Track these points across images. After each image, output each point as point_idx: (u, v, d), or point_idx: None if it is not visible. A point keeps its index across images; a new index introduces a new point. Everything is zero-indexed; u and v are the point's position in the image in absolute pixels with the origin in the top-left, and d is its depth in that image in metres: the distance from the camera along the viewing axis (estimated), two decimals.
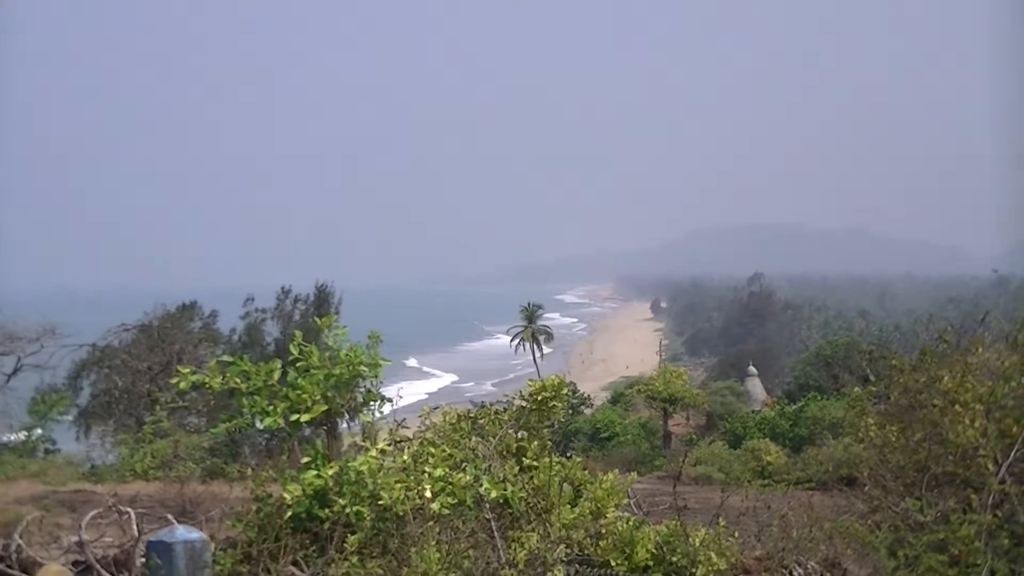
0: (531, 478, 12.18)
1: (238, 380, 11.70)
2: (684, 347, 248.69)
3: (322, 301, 65.06)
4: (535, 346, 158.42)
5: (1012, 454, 11.54)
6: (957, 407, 12.06)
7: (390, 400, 12.54)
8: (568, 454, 14.20)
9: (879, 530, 11.76)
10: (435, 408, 13.60)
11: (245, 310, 64.31)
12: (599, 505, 12.07)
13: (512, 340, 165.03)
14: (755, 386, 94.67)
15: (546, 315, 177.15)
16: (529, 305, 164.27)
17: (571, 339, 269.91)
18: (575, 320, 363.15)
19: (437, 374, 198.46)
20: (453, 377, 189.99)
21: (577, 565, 10.93)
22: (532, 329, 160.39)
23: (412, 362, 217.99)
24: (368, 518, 10.71)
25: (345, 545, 10.42)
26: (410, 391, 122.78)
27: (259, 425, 11.84)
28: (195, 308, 59.96)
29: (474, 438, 12.70)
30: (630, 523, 11.51)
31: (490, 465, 12.00)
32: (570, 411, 60.48)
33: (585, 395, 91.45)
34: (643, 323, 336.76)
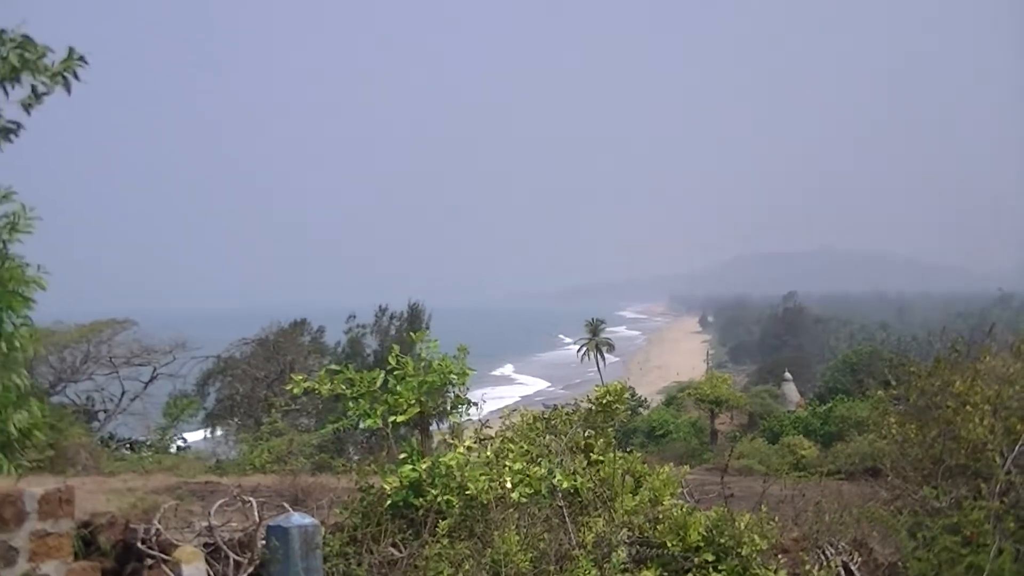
0: (597, 471, 12.21)
1: (344, 387, 11.87)
2: (728, 356, 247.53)
3: (414, 317, 65.64)
4: (599, 355, 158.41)
5: (1017, 448, 11.52)
6: (968, 407, 12.03)
7: (475, 404, 12.63)
8: (628, 449, 14.18)
9: (900, 515, 11.73)
10: (514, 410, 13.69)
11: (348, 326, 64.93)
12: (656, 494, 12.07)
13: (578, 351, 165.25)
14: (790, 390, 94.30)
15: (609, 328, 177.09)
16: (593, 320, 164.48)
17: (630, 349, 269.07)
18: (634, 333, 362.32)
19: (523, 381, 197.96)
20: (544, 384, 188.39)
21: (638, 546, 10.93)
22: (596, 341, 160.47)
23: (508, 369, 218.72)
24: (457, 506, 10.78)
25: (437, 529, 10.50)
26: (507, 393, 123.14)
27: (362, 425, 11.97)
28: (305, 324, 60.54)
29: (548, 436, 12.75)
30: (684, 509, 11.50)
31: (562, 459, 12.03)
32: (630, 412, 60.46)
33: (642, 398, 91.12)
34: (692, 335, 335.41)
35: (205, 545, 11.02)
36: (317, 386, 11.84)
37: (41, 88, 9.00)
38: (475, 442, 12.31)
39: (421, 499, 10.99)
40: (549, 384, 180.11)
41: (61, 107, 9.27)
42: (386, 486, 11.15)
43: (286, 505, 12.01)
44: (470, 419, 12.82)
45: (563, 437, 12.68)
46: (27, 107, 9.08)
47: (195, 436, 49.25)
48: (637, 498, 11.81)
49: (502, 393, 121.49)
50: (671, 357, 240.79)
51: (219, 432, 50.23)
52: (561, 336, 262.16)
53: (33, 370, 31.63)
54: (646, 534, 11.18)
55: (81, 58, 9.15)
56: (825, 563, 11.62)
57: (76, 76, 9.15)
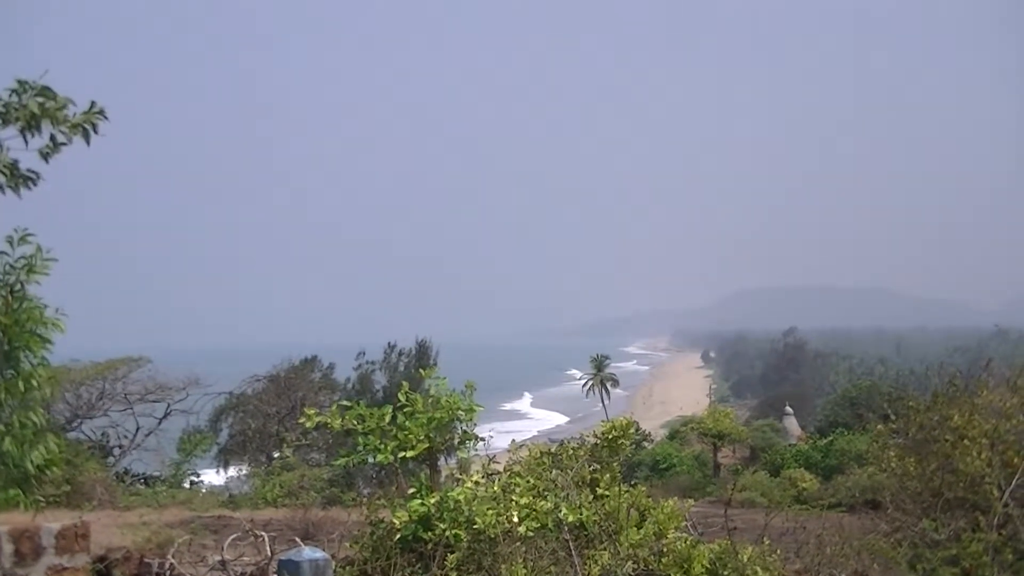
0: (603, 504, 12.21)
1: (355, 422, 11.90)
2: (730, 391, 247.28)
3: (422, 354, 65.77)
4: (603, 390, 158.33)
5: (1014, 481, 11.50)
6: (966, 441, 12.03)
7: (483, 439, 12.64)
8: (633, 483, 14.17)
9: (900, 547, 11.72)
10: (521, 445, 13.71)
11: (357, 362, 65.02)
12: (661, 527, 12.07)
13: (584, 386, 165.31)
14: (791, 423, 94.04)
15: (614, 364, 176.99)
16: (598, 356, 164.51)
17: (635, 384, 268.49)
18: (638, 368, 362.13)
19: (533, 415, 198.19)
20: (562, 418, 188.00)
21: None
22: (601, 376, 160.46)
23: (520, 403, 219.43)
24: (465, 540, 10.78)
25: (446, 563, 10.51)
26: (518, 428, 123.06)
27: (372, 460, 11.99)
28: (315, 361, 60.75)
29: (554, 471, 12.75)
30: (688, 542, 11.52)
31: (568, 494, 12.04)
32: (634, 446, 60.41)
33: (646, 432, 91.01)
34: (695, 370, 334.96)
35: None
36: (329, 421, 11.88)
37: (60, 138, 9.07)
38: (483, 477, 12.32)
39: (430, 533, 10.99)
40: (568, 419, 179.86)
41: (76, 147, 9.33)
42: (396, 520, 11.15)
43: (297, 539, 12.04)
44: (478, 454, 12.84)
45: (569, 472, 12.68)
46: (45, 156, 9.15)
47: (208, 471, 49.32)
48: (642, 531, 11.81)
49: (514, 427, 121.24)
50: (674, 391, 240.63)
51: (231, 467, 50.27)
52: (571, 372, 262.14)
53: (49, 407, 31.68)
54: (651, 567, 11.19)
55: (101, 111, 9.22)
56: None
57: (95, 129, 9.23)
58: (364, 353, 65.29)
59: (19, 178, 9.14)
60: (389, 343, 66.69)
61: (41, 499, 10.21)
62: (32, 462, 9.63)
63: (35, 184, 9.31)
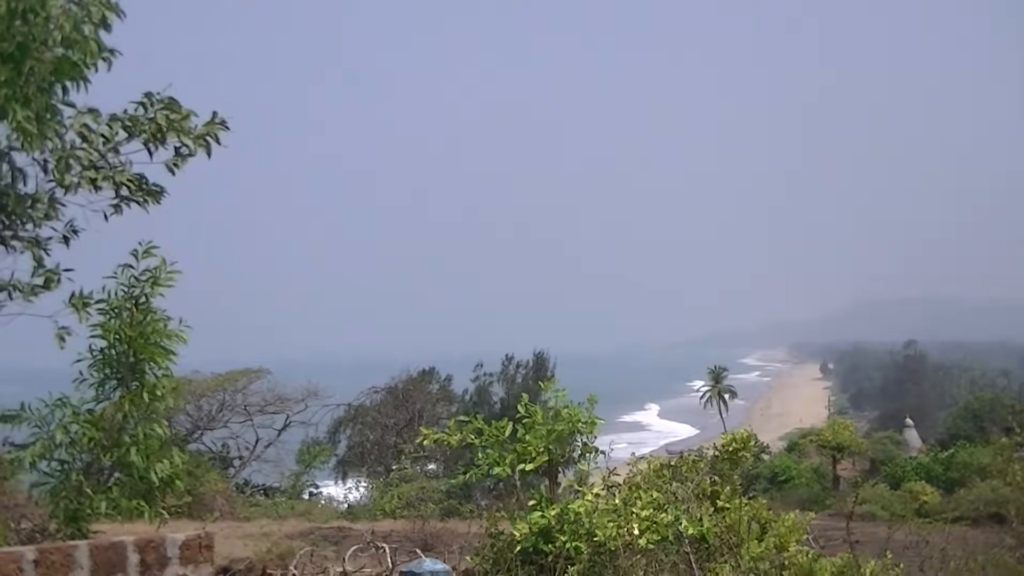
0: (723, 517, 12.12)
1: (473, 436, 11.94)
2: (849, 403, 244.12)
3: (540, 366, 65.77)
4: (722, 402, 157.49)
5: None
6: None
7: (603, 452, 12.62)
8: (751, 495, 14.06)
9: None
10: (641, 457, 13.66)
11: (475, 374, 65.21)
12: (782, 540, 11.96)
13: (701, 398, 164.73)
14: (912, 436, 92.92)
15: (732, 375, 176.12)
16: (716, 367, 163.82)
17: (752, 395, 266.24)
18: (757, 380, 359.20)
19: (652, 426, 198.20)
20: (691, 430, 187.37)
21: None
22: (719, 388, 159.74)
23: (641, 415, 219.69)
24: (585, 552, 10.76)
25: (566, 575, 10.50)
26: (639, 439, 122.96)
27: (491, 473, 12.03)
28: (433, 373, 61.06)
29: (674, 483, 12.69)
30: (809, 556, 11.40)
31: (688, 506, 11.97)
32: (753, 458, 59.93)
33: (765, 444, 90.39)
34: (813, 382, 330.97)
35: None
36: (447, 437, 11.96)
37: (185, 150, 9.23)
38: (603, 489, 12.29)
39: (550, 545, 10.98)
40: (698, 431, 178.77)
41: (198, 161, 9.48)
42: (516, 532, 11.16)
43: (418, 551, 12.09)
44: (598, 466, 12.82)
45: (689, 484, 12.62)
46: (172, 168, 9.32)
47: (327, 482, 49.80)
48: (763, 544, 11.71)
49: (635, 439, 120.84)
50: (792, 403, 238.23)
51: (350, 478, 50.68)
52: (694, 383, 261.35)
53: (171, 419, 32.22)
54: None
55: (223, 122, 9.37)
56: None
57: (218, 140, 9.38)
58: (482, 365, 65.46)
59: (146, 192, 9.32)
60: (507, 355, 66.85)
61: (165, 511, 10.39)
62: (156, 474, 9.81)
63: (163, 198, 9.50)
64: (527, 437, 11.90)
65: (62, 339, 9.55)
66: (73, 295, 9.73)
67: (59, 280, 9.55)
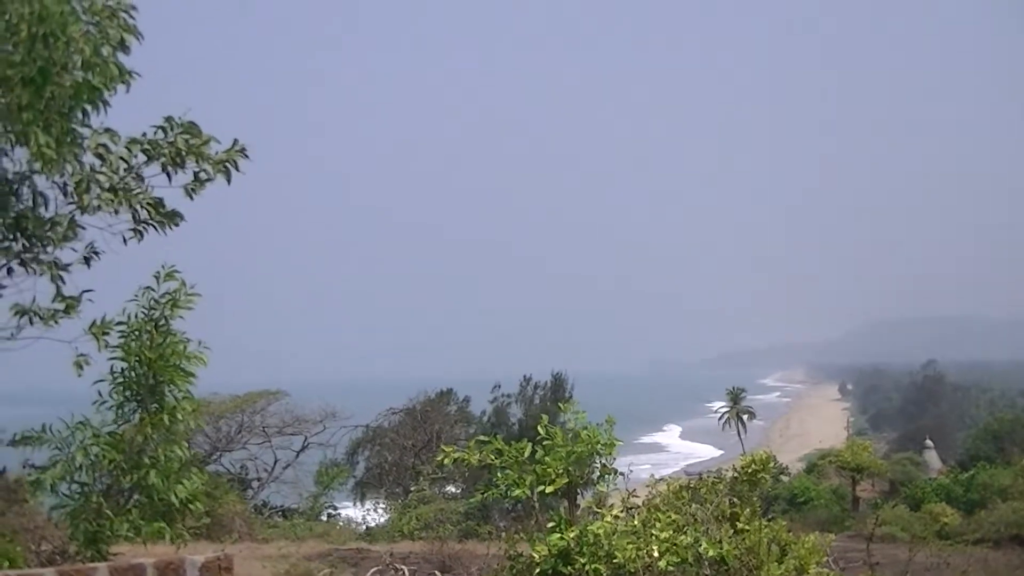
0: (743, 539, 12.12)
1: (492, 457, 11.96)
2: (868, 423, 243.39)
3: (558, 387, 65.78)
4: (739, 423, 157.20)
5: None
6: None
7: (622, 474, 12.62)
8: (771, 517, 14.04)
9: None
10: (660, 479, 13.66)
11: (493, 395, 65.30)
12: (802, 562, 11.94)
13: (720, 418, 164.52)
14: (931, 457, 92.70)
15: (751, 396, 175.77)
16: (734, 388, 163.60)
17: (771, 416, 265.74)
18: (775, 400, 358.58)
19: (670, 448, 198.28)
20: (715, 451, 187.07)
21: None
22: (737, 409, 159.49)
23: (662, 436, 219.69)
24: (605, 574, 10.76)
25: None
26: (658, 460, 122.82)
27: (511, 495, 12.04)
28: (451, 394, 61.13)
29: (694, 505, 12.69)
30: None
31: (708, 528, 11.97)
32: (773, 480, 59.74)
33: (783, 465, 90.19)
34: (831, 403, 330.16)
35: None
36: (467, 457, 11.97)
37: (204, 175, 9.30)
38: (622, 511, 12.29)
39: (569, 567, 10.98)
40: (722, 452, 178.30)
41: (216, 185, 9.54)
42: (535, 554, 11.17)
43: (437, 572, 12.10)
44: (616, 488, 12.82)
45: (709, 506, 12.61)
46: (191, 193, 9.38)
47: (345, 503, 49.85)
48: (783, 567, 11.69)
49: (654, 460, 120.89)
50: (811, 424, 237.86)
51: (368, 499, 50.74)
52: (713, 404, 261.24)
53: (190, 440, 32.32)
54: None
55: (243, 149, 9.44)
56: None
57: (236, 167, 9.44)
58: (500, 386, 65.58)
59: (164, 216, 9.38)
60: (524, 376, 66.96)
61: (185, 532, 10.44)
62: (176, 496, 9.85)
63: (180, 222, 9.55)
64: (547, 458, 11.92)
65: (80, 367, 9.59)
66: (94, 323, 9.80)
67: (79, 306, 9.59)
